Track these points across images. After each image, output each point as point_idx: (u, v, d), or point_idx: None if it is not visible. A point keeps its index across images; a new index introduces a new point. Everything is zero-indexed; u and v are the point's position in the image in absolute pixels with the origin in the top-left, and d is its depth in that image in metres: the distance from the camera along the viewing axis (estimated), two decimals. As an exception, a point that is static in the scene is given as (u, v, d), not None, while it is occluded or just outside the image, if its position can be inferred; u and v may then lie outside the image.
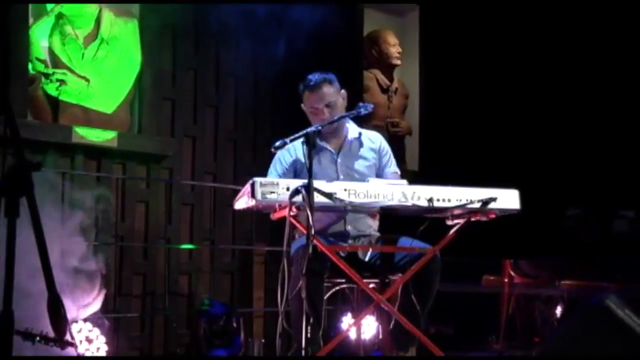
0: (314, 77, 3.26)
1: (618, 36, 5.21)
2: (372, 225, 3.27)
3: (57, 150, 4.04)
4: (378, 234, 3.30)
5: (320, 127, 2.96)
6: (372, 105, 3.20)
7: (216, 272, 4.80)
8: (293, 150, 3.19)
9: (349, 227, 3.20)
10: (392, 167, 3.36)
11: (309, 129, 2.89)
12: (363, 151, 3.30)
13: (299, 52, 5.27)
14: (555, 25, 5.36)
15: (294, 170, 3.22)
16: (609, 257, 4.66)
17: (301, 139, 2.98)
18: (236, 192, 3.15)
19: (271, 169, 3.27)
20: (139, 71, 4.52)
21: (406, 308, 3.00)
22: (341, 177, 3.20)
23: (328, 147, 3.25)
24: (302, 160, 3.19)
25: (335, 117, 3.16)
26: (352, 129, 3.31)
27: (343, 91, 3.31)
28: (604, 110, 5.29)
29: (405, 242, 3.14)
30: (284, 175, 3.20)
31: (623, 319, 2.72)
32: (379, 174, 3.30)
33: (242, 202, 2.95)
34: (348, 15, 5.61)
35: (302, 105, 3.29)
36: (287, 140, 2.94)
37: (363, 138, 3.31)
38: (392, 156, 3.38)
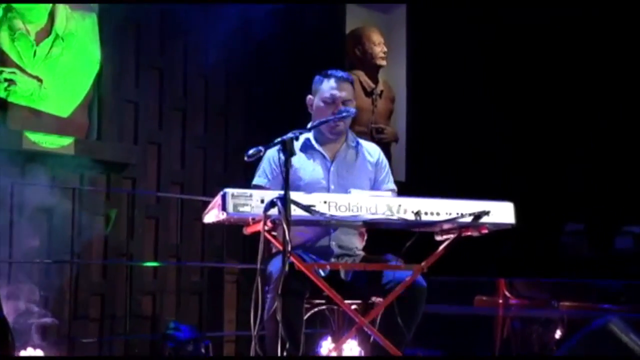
0: (340, 71, 3.32)
1: (620, 40, 5.28)
2: (357, 245, 3.28)
3: (5, 157, 4.00)
4: (362, 253, 3.31)
5: (298, 134, 2.97)
6: (354, 110, 3.22)
7: (183, 292, 4.77)
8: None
9: (332, 244, 3.21)
10: (390, 183, 3.38)
11: (285, 136, 2.89)
12: (359, 162, 3.31)
13: (274, 52, 5.29)
14: (558, 24, 5.42)
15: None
16: (611, 276, 4.70)
17: (293, 142, 2.99)
18: (205, 204, 3.14)
19: (260, 171, 3.27)
20: (98, 71, 4.50)
21: (388, 330, 3.01)
22: (332, 187, 3.21)
23: (324, 152, 3.27)
24: (293, 164, 3.18)
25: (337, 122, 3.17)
26: (350, 138, 3.33)
27: (309, 96, 3.32)
28: (608, 116, 5.35)
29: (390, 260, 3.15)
30: (274, 178, 3.20)
31: (627, 344, 2.75)
32: (375, 189, 3.31)
33: (212, 215, 2.94)
34: (328, 11, 5.63)
35: (311, 96, 3.28)
36: (262, 148, 2.94)
37: (360, 148, 3.34)
38: (389, 172, 3.40)
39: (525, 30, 5.51)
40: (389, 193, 3.11)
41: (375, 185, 3.33)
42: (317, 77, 3.30)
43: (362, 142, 3.41)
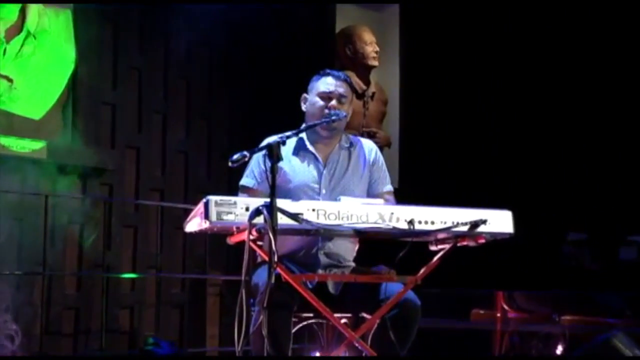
0: (339, 72, 3.42)
1: (625, 44, 5.30)
2: (347, 256, 3.29)
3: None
4: (353, 264, 3.31)
5: (285, 139, 2.98)
6: (345, 113, 3.23)
7: (163, 305, 4.75)
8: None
9: (320, 254, 3.22)
10: (387, 185, 3.40)
11: (271, 140, 2.90)
12: (353, 163, 3.33)
13: (260, 52, 5.29)
14: (560, 23, 5.44)
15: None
16: (615, 289, 4.72)
17: (294, 142, 3.05)
18: (187, 212, 3.13)
19: (248, 171, 3.29)
20: (72, 70, 4.48)
21: (381, 346, 3.02)
22: (323, 191, 3.23)
23: (317, 154, 3.29)
24: (283, 166, 3.20)
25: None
26: (344, 139, 3.36)
27: (304, 95, 3.36)
28: (611, 120, 5.37)
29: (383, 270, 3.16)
30: (263, 181, 3.21)
31: (631, 360, 2.76)
32: (370, 191, 3.33)
33: (194, 223, 2.93)
34: (318, 9, 5.64)
35: (306, 95, 3.32)
36: (247, 153, 2.95)
37: (353, 149, 3.36)
38: (386, 171, 3.42)
39: (524, 29, 5.54)
40: (381, 201, 3.11)
41: (371, 187, 3.35)
42: (314, 77, 3.37)
43: (360, 139, 3.43)
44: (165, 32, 4.94)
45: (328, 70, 3.36)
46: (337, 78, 3.31)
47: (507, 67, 5.63)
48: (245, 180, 3.27)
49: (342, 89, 3.30)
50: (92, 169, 4.50)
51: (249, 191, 3.22)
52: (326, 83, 3.29)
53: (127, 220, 4.71)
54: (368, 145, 3.43)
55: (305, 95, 3.36)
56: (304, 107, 3.35)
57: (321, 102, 3.26)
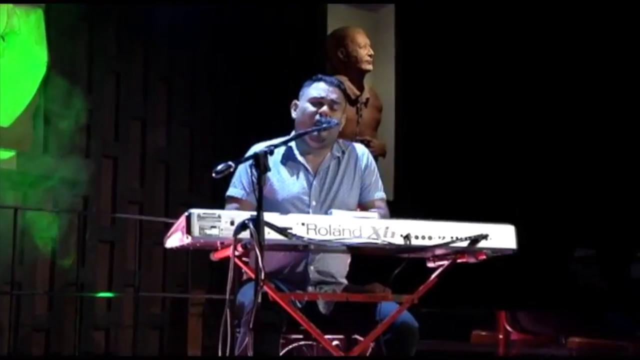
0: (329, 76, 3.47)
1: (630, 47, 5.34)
2: (339, 272, 3.30)
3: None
4: (345, 281, 3.33)
5: (272, 148, 2.99)
6: (336, 120, 3.25)
7: (141, 326, 4.74)
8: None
9: (310, 269, 3.23)
10: (379, 192, 3.42)
11: (258, 150, 2.91)
12: (344, 170, 3.36)
13: (247, 55, 5.31)
14: (562, 29, 5.48)
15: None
16: (626, 308, 4.74)
17: (281, 150, 3.07)
18: (168, 226, 3.14)
19: (236, 180, 3.31)
20: (44, 74, 4.49)
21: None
22: (313, 203, 3.25)
23: (306, 164, 3.31)
24: (270, 177, 3.21)
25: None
26: (335, 147, 3.39)
27: (295, 101, 3.39)
28: (622, 131, 5.39)
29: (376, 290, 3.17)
30: (252, 191, 3.22)
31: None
32: (362, 198, 3.36)
33: (175, 239, 2.93)
34: (308, 10, 5.67)
35: (297, 101, 3.34)
36: (232, 163, 2.96)
37: (344, 156, 3.38)
38: (378, 177, 3.45)
39: (527, 28, 5.56)
40: (375, 214, 3.13)
41: (363, 194, 3.37)
42: (306, 82, 3.41)
43: (352, 143, 3.45)
44: (145, 33, 4.95)
45: (320, 76, 3.39)
46: (329, 84, 3.35)
47: (509, 71, 5.65)
48: (232, 191, 3.28)
49: (334, 95, 3.33)
50: (65, 179, 4.49)
51: (237, 202, 3.23)
52: (318, 88, 3.32)
53: (103, 235, 4.70)
54: (360, 149, 3.46)
55: (295, 101, 3.39)
56: (294, 114, 3.38)
57: (312, 108, 3.28)
